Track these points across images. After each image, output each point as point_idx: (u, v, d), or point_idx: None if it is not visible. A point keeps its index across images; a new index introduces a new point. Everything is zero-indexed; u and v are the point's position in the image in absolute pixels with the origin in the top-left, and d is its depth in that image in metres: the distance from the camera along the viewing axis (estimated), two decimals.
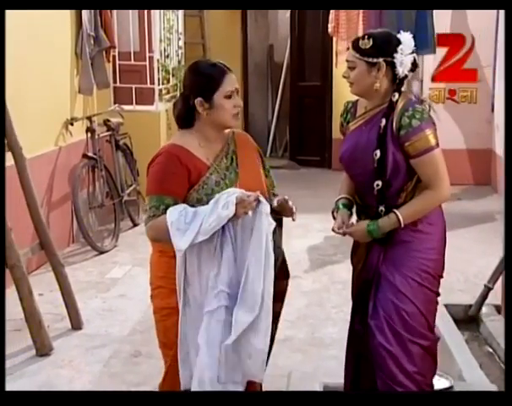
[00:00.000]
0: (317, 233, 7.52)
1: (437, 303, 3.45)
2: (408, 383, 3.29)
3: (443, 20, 8.83)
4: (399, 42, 3.26)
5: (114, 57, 8.48)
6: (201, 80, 3.12)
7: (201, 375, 3.00)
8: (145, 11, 8.63)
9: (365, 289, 3.44)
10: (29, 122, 6.22)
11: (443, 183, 3.26)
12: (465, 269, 6.15)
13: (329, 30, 8.35)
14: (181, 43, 9.77)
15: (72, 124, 7.28)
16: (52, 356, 4.82)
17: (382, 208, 3.30)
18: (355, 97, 3.50)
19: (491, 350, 4.89)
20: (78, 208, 6.93)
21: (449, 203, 3.39)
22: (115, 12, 8.33)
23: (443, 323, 4.77)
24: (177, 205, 3.03)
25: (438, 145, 3.26)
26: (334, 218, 3.48)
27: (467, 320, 5.25)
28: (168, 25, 9.26)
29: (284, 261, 3.36)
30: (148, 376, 4.37)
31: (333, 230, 3.42)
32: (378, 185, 3.28)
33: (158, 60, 8.76)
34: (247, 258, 3.00)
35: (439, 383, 3.85)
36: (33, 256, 5.60)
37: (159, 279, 3.26)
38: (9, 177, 5.12)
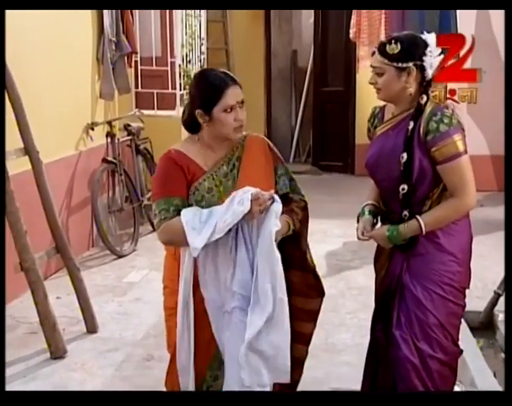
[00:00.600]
0: (336, 239, 7.50)
1: (462, 315, 3.39)
2: None
3: (468, 22, 8.74)
4: (426, 44, 3.21)
5: (136, 62, 8.51)
6: (202, 92, 3.05)
7: (227, 377, 3.02)
8: (167, 16, 8.66)
9: (388, 297, 3.40)
10: (50, 126, 6.28)
11: (469, 190, 3.19)
12: (483, 276, 6.06)
13: (351, 35, 8.31)
14: (203, 48, 9.77)
15: (92, 129, 7.32)
16: (66, 359, 4.85)
17: (406, 213, 3.24)
18: (382, 102, 3.45)
19: None
20: (98, 212, 6.97)
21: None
22: (137, 17, 8.37)
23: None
24: (185, 205, 3.03)
25: (466, 151, 3.18)
26: (358, 222, 3.46)
27: (483, 327, 5.19)
28: (190, 31, 9.28)
29: (317, 278, 3.35)
30: (159, 380, 4.28)
31: (358, 238, 3.40)
32: (403, 189, 3.22)
33: (180, 65, 8.77)
34: (257, 257, 2.98)
35: None
36: (49, 260, 5.63)
37: (166, 279, 3.31)
38: (26, 181, 5.17)
